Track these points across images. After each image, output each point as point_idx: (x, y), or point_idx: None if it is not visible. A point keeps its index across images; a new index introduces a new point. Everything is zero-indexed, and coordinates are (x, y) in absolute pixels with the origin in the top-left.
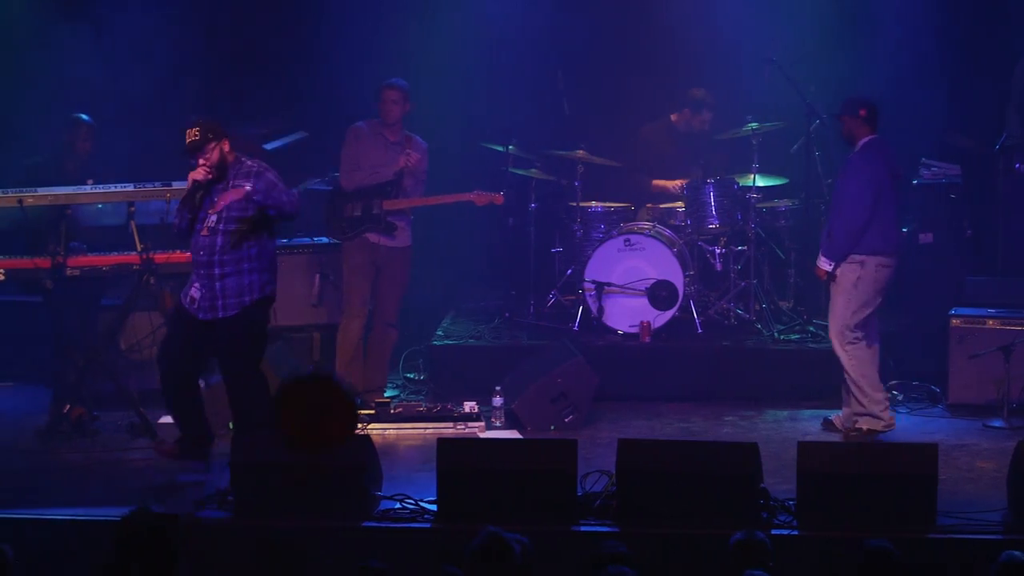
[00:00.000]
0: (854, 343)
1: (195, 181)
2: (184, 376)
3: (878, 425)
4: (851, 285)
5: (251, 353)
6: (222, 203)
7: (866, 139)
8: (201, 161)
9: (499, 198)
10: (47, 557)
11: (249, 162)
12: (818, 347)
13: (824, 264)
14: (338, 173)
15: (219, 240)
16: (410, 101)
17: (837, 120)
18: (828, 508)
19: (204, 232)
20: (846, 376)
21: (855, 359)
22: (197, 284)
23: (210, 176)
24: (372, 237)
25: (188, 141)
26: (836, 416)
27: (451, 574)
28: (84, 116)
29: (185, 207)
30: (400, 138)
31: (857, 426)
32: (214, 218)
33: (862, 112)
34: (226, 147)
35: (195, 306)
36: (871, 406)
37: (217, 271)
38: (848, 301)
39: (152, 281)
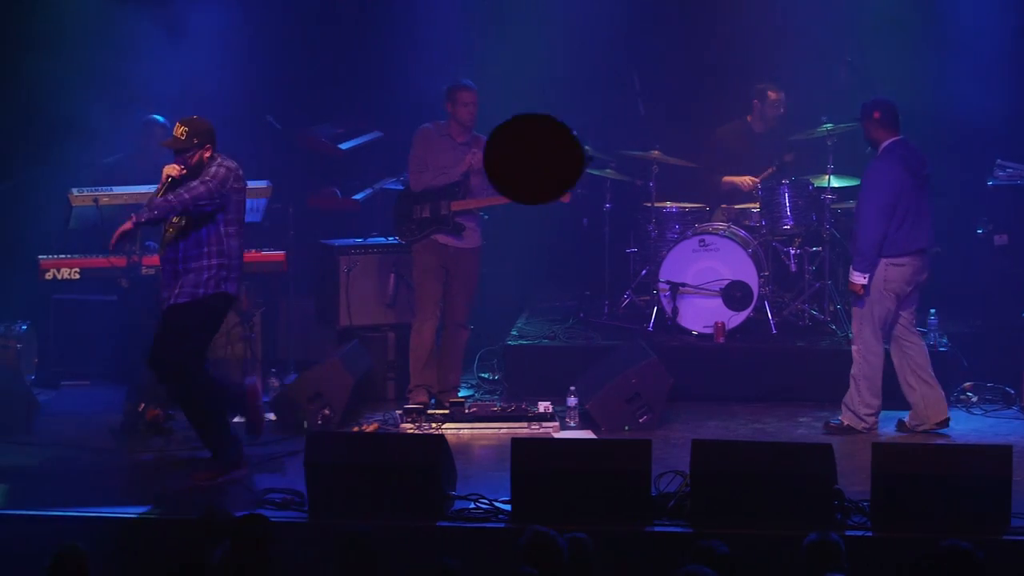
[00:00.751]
0: (873, 351)
1: (169, 176)
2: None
3: (858, 425)
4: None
5: (188, 341)
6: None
7: (887, 142)
8: (179, 161)
9: (566, 196)
10: (121, 555)
11: (220, 160)
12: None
13: (858, 278)
14: (404, 176)
15: (183, 236)
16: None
17: (860, 127)
18: (902, 509)
19: (172, 229)
20: (852, 370)
21: (866, 363)
22: (166, 281)
23: (183, 173)
24: (441, 238)
25: (173, 139)
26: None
27: (528, 574)
28: (159, 117)
29: (150, 205)
30: (468, 138)
31: (839, 419)
32: (180, 217)
33: (875, 115)
34: (207, 153)
35: (162, 303)
36: (860, 407)
37: (180, 266)
38: (863, 301)
39: None
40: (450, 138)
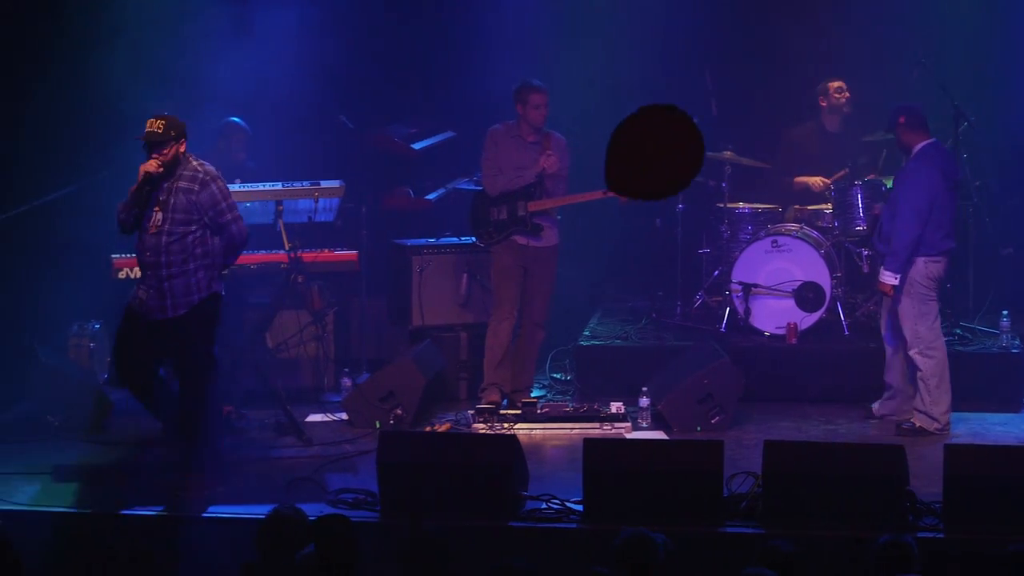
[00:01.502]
0: (933, 346)
1: (147, 173)
2: (148, 378)
3: (931, 426)
4: (909, 287)
5: (203, 346)
6: (169, 202)
7: (921, 145)
8: (155, 155)
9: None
10: (193, 554)
11: (196, 163)
12: (965, 350)
13: (889, 279)
14: (478, 176)
15: (164, 240)
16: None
17: (893, 128)
18: (974, 511)
19: (151, 231)
20: (918, 374)
21: (931, 360)
22: (143, 285)
23: (160, 170)
24: (519, 239)
25: (149, 132)
26: (876, 405)
27: (600, 574)
28: (238, 119)
29: (134, 202)
30: (539, 137)
31: (911, 421)
32: (160, 216)
33: (901, 120)
34: (183, 147)
35: (143, 308)
36: (932, 407)
37: (164, 272)
38: (912, 302)
39: (300, 279)
40: (520, 138)
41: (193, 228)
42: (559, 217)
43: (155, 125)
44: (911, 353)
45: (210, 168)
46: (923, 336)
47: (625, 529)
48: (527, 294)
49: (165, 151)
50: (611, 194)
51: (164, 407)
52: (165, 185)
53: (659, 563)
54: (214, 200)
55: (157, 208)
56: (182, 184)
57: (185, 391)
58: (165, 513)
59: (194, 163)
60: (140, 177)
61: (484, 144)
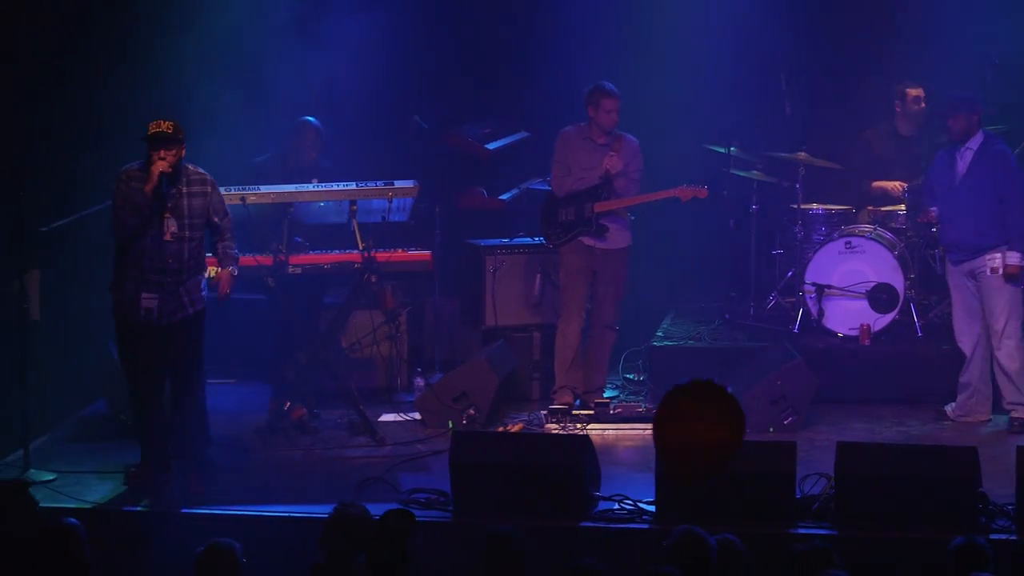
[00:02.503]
0: (1017, 337)
1: (162, 173)
2: (159, 392)
3: None
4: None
5: (202, 348)
6: (183, 208)
7: (986, 133)
8: (163, 154)
9: (703, 192)
10: (268, 554)
11: (193, 168)
12: None
13: (1017, 260)
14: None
15: (185, 246)
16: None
17: (957, 117)
18: None
19: (168, 238)
20: (1005, 367)
21: (1020, 351)
22: (151, 294)
23: (170, 171)
24: (587, 240)
25: (160, 131)
26: (950, 407)
27: (669, 574)
28: (311, 118)
29: (144, 203)
30: (609, 139)
31: (1019, 416)
32: (174, 223)
33: (979, 109)
34: (183, 152)
35: (153, 315)
36: None
37: (184, 276)
38: (1015, 293)
39: (373, 279)
40: (590, 140)
41: (204, 231)
42: (632, 218)
43: (164, 125)
44: (1007, 344)
45: (206, 172)
46: (1017, 326)
47: (676, 528)
48: (596, 296)
49: (173, 151)
50: (677, 195)
51: (159, 432)
52: (172, 191)
53: (711, 564)
54: (222, 201)
55: (167, 215)
56: (194, 188)
57: (189, 391)
58: (231, 512)
59: (191, 167)
60: (155, 178)
61: (555, 145)
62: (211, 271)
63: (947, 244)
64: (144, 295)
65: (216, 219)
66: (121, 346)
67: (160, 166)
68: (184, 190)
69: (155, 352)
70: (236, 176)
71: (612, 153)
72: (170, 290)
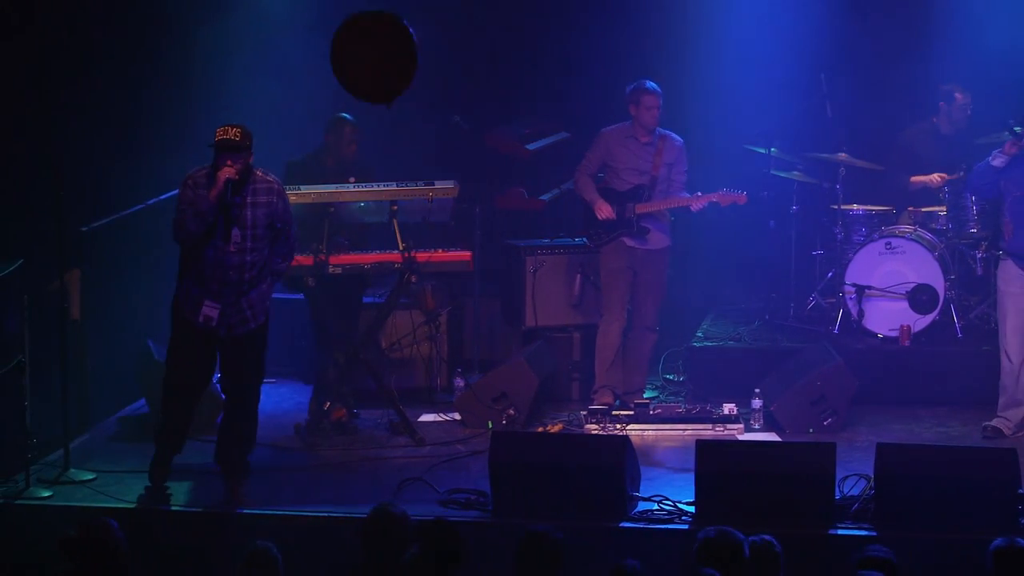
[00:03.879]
0: None
1: (228, 180)
2: (191, 402)
3: None
4: None
5: (264, 363)
6: (246, 217)
7: None
8: (230, 163)
9: (742, 198)
10: (307, 554)
11: (262, 174)
12: None
13: None
14: (602, 175)
15: (248, 258)
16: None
17: None
18: None
19: (232, 249)
20: None
21: None
22: (214, 303)
23: (237, 179)
24: (628, 241)
25: (227, 138)
26: (1003, 425)
27: (708, 575)
28: (347, 115)
29: (210, 212)
30: (652, 138)
31: None
32: (239, 234)
33: None
34: (251, 159)
35: (212, 324)
36: None
37: (246, 287)
38: None
39: (414, 279)
40: (635, 139)
41: (269, 241)
42: (672, 219)
43: (231, 132)
44: None
45: (276, 178)
46: None
47: (706, 529)
48: (637, 297)
49: (240, 158)
50: (716, 199)
51: (181, 444)
52: (237, 200)
53: (744, 563)
54: (288, 209)
55: (234, 224)
56: (260, 198)
57: (244, 403)
58: (271, 512)
59: (260, 174)
60: (220, 185)
61: (592, 143)
62: None
63: (1016, 250)
64: (207, 302)
65: (285, 227)
66: (172, 346)
67: (226, 172)
68: (249, 199)
69: (204, 361)
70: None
71: (699, 195)
72: (230, 301)
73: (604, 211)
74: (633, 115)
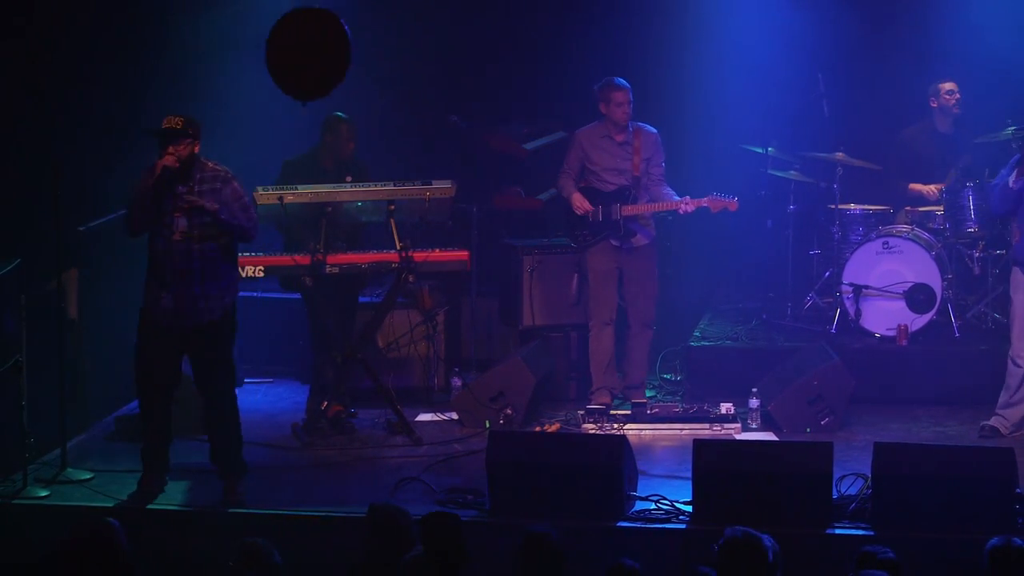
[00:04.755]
0: None
1: (165, 167)
2: (163, 397)
3: None
4: None
5: (230, 358)
6: (195, 207)
7: None
8: (171, 150)
9: (733, 204)
10: (304, 554)
11: (212, 164)
12: None
13: None
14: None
15: (196, 247)
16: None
17: None
18: None
19: (177, 238)
20: None
21: None
22: (168, 294)
23: (176, 166)
24: (613, 241)
25: (166, 127)
26: (1001, 424)
27: (705, 575)
28: (342, 114)
29: (147, 199)
30: (627, 136)
31: None
32: (184, 222)
33: None
34: (196, 149)
35: (171, 317)
36: None
37: (198, 277)
38: None
39: (411, 279)
40: (610, 138)
41: (225, 232)
42: (669, 218)
43: (173, 121)
44: None
45: (227, 168)
46: None
47: (731, 528)
48: (629, 296)
49: (181, 147)
50: (706, 204)
51: (159, 435)
52: (182, 189)
53: (767, 564)
54: (237, 194)
55: (178, 213)
56: (205, 186)
57: (216, 401)
58: (268, 512)
59: (211, 164)
60: (157, 171)
61: (569, 145)
62: (248, 270)
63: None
64: (162, 294)
65: (229, 214)
66: (137, 345)
67: (166, 160)
68: (196, 188)
69: (166, 356)
70: (269, 175)
71: (687, 199)
72: (181, 292)
73: (581, 205)
74: (604, 113)
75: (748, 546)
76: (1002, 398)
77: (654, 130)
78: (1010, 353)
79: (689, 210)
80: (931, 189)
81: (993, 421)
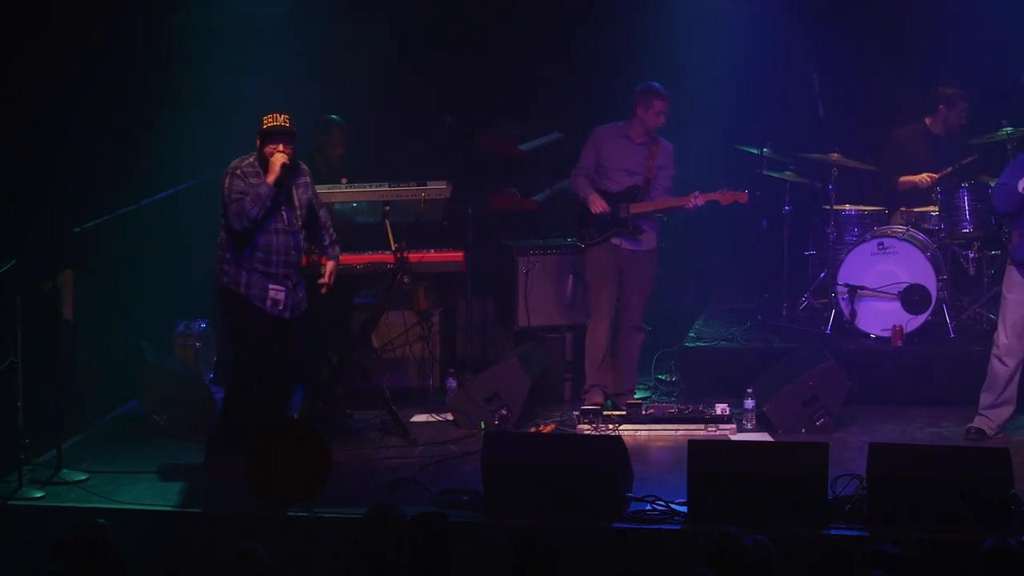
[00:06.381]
0: None
1: (284, 164)
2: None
3: None
4: None
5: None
6: (294, 200)
7: None
8: (283, 148)
9: (743, 196)
10: (296, 554)
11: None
12: None
13: None
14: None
15: (301, 238)
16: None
17: None
18: None
19: (289, 231)
20: None
21: None
22: (278, 285)
23: (289, 164)
24: (616, 241)
25: (278, 124)
26: (986, 425)
27: (705, 575)
28: (335, 117)
29: (268, 194)
30: (646, 139)
31: None
32: (288, 215)
33: None
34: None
35: (279, 308)
36: None
37: (295, 268)
38: None
39: (406, 280)
40: (628, 139)
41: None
42: (664, 220)
43: (280, 119)
44: None
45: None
46: None
47: (717, 529)
48: (623, 297)
49: (292, 144)
50: (716, 198)
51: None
52: (285, 183)
53: (746, 565)
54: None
55: (284, 207)
56: (300, 180)
57: (294, 385)
58: (264, 513)
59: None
60: (278, 169)
61: (587, 141)
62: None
63: (1021, 259)
64: (272, 287)
65: (321, 210)
66: (243, 340)
67: (281, 158)
68: (299, 181)
69: (279, 345)
70: None
71: (697, 193)
72: (292, 283)
73: (598, 205)
74: (639, 115)
75: (725, 546)
76: (985, 399)
77: (670, 144)
78: (995, 352)
79: (700, 203)
80: (923, 178)
81: (978, 423)
